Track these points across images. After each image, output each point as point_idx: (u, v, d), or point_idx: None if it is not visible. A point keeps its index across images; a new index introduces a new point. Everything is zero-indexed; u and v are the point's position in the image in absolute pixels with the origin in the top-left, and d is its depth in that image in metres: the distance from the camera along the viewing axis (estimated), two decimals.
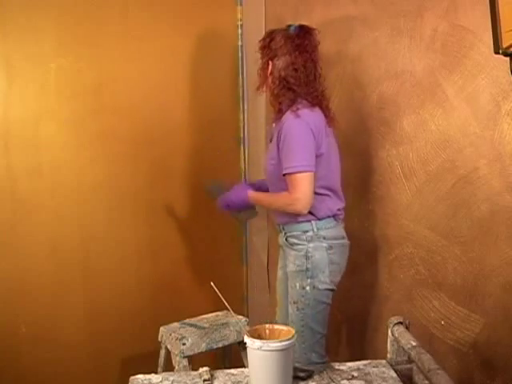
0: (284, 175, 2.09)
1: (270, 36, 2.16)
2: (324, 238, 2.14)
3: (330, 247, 2.15)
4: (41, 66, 2.45)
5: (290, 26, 2.15)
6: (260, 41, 2.19)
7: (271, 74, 2.15)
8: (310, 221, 2.14)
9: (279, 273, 2.37)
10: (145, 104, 2.71)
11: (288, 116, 2.09)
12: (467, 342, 2.08)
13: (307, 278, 2.12)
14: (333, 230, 2.17)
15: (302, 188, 2.05)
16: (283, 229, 2.22)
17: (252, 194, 2.26)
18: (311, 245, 2.13)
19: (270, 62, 2.15)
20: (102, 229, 2.64)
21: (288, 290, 2.21)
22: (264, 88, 2.22)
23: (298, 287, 2.14)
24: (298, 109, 2.08)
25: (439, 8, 2.08)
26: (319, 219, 2.15)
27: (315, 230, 2.14)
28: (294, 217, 2.14)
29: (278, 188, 2.17)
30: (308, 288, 2.13)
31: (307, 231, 2.14)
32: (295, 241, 2.16)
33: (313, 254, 2.12)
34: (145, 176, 2.73)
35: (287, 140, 2.07)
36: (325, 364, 1.71)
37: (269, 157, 2.20)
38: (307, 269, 2.12)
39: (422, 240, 2.23)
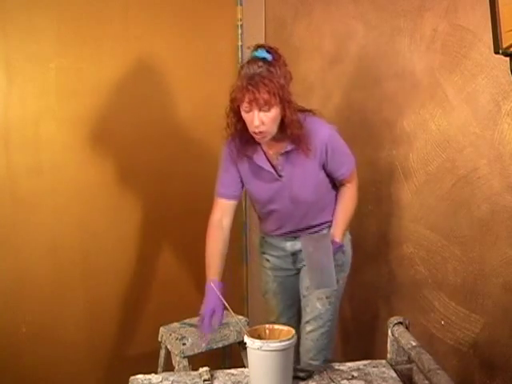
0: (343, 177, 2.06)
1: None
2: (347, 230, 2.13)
3: (350, 239, 2.17)
4: (41, 66, 2.44)
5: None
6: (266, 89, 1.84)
7: (289, 102, 1.88)
8: None
9: (278, 280, 2.25)
10: (145, 104, 2.71)
11: (319, 127, 1.99)
12: (467, 341, 2.08)
13: (341, 271, 2.07)
14: None
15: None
16: (313, 232, 2.10)
17: (337, 233, 2.01)
18: (345, 238, 2.10)
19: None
20: (102, 228, 2.64)
21: (303, 290, 2.13)
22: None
23: None
24: (315, 120, 2.00)
25: (439, 8, 2.07)
26: None
27: None
28: (328, 217, 2.08)
29: (326, 200, 2.09)
30: (341, 282, 2.09)
31: None
32: None
33: (346, 249, 2.12)
34: (144, 175, 2.73)
35: (337, 146, 2.02)
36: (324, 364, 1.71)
37: (311, 181, 2.03)
38: (343, 263, 2.09)
39: (422, 240, 2.23)
